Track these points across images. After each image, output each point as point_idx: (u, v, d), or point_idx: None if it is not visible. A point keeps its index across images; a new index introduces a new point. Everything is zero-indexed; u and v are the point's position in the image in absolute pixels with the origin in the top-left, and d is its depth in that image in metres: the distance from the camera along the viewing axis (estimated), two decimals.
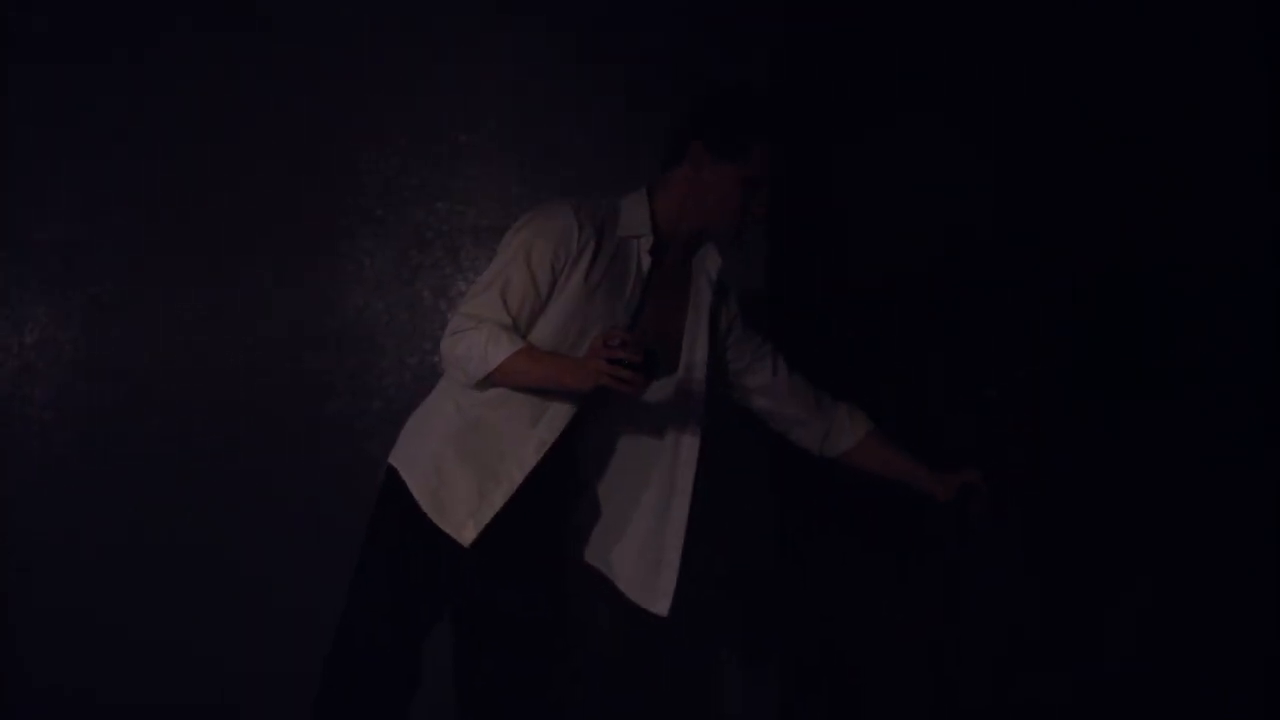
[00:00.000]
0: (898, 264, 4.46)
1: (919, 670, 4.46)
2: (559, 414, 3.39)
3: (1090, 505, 4.43)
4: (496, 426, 3.39)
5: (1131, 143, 4.43)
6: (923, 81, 4.46)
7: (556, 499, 3.49)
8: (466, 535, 3.37)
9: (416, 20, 4.48)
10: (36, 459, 4.54)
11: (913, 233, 4.45)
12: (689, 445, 3.49)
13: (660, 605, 3.48)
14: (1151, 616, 4.41)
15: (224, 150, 4.48)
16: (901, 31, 4.49)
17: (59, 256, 4.54)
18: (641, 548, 3.51)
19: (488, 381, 3.33)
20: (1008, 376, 4.45)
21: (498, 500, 3.37)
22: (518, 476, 3.38)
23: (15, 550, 4.54)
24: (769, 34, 4.37)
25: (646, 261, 3.41)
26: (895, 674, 4.47)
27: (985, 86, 4.47)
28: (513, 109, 4.47)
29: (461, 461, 3.39)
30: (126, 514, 4.50)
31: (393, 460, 3.46)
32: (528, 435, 3.39)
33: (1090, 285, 4.45)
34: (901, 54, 4.49)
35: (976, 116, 4.47)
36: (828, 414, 3.64)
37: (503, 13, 4.44)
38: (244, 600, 4.47)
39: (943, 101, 4.46)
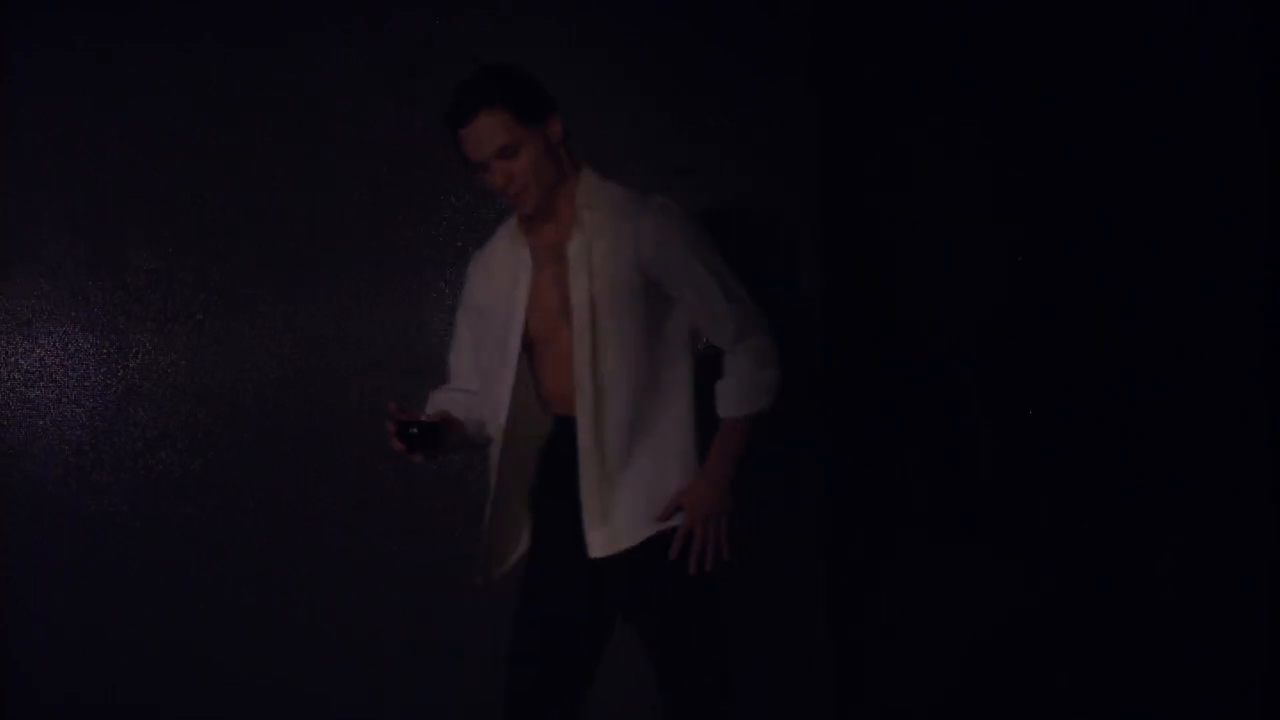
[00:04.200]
0: (908, 262, 4.50)
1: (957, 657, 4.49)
2: (497, 426, 3.58)
3: (1090, 506, 4.43)
4: (493, 461, 3.61)
5: (1131, 142, 4.44)
6: (929, 87, 4.48)
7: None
8: (511, 558, 3.64)
9: (493, 59, 4.59)
10: (141, 477, 4.75)
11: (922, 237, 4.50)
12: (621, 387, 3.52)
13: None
14: (1150, 617, 4.41)
15: (315, 184, 4.68)
16: (907, 39, 4.52)
17: (160, 286, 4.74)
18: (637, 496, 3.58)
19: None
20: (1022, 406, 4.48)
21: (520, 511, 3.63)
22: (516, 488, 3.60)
23: (116, 564, 4.75)
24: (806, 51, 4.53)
25: (523, 251, 3.57)
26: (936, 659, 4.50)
27: (990, 92, 4.48)
28: (585, 146, 4.55)
29: (498, 505, 3.62)
30: (219, 532, 4.72)
31: None
32: (502, 455, 3.60)
33: (1092, 286, 4.46)
34: (908, 60, 4.51)
35: (980, 119, 4.49)
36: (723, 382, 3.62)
37: (576, 50, 4.59)
38: (326, 619, 4.71)
39: (949, 107, 4.48)
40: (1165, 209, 4.42)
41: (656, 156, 4.51)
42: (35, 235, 4.76)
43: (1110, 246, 4.44)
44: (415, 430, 3.37)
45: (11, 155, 4.76)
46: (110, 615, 4.74)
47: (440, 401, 3.68)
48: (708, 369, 3.63)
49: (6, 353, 4.78)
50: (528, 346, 3.57)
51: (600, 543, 3.49)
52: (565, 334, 3.51)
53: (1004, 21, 4.48)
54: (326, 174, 4.68)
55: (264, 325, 4.71)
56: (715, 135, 4.51)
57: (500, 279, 3.59)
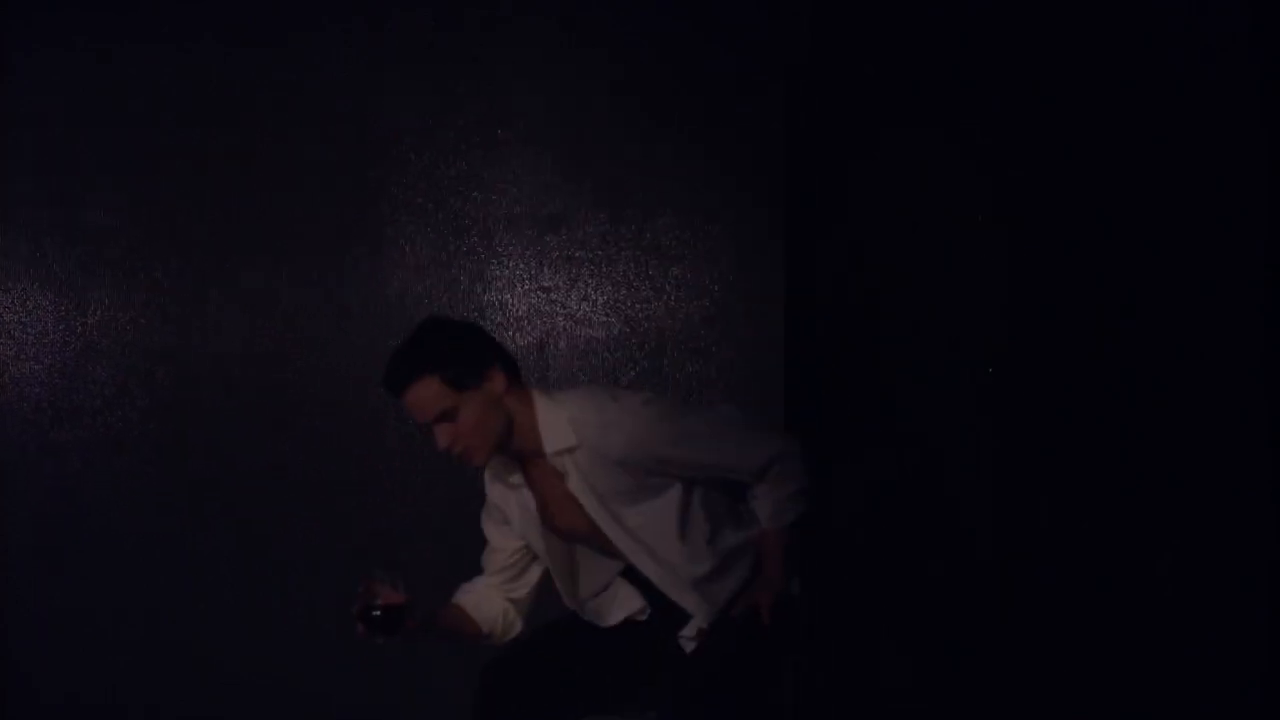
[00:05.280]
0: (901, 264, 4.51)
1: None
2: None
3: (1090, 506, 4.44)
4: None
5: (1130, 143, 4.45)
6: (923, 88, 4.49)
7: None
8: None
9: (456, 22, 4.68)
10: (100, 435, 4.76)
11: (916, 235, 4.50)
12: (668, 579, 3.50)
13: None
14: (1150, 617, 4.41)
15: (275, 141, 4.72)
16: (898, 41, 4.52)
17: (120, 242, 4.76)
18: None
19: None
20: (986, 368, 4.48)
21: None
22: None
23: (74, 523, 4.77)
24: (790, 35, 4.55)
25: (517, 488, 3.50)
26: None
27: (985, 87, 4.49)
28: (545, 105, 4.68)
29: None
30: (177, 489, 4.75)
31: None
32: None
33: (1091, 286, 4.47)
34: (899, 62, 4.52)
35: (980, 119, 4.49)
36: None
37: (537, 14, 4.64)
38: (285, 588, 4.73)
39: (943, 107, 4.48)
40: (1165, 209, 4.42)
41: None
42: None
43: (1110, 246, 4.44)
44: (378, 614, 3.29)
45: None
46: (68, 571, 4.73)
47: (464, 595, 3.63)
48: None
49: None
50: (577, 541, 3.54)
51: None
52: (600, 533, 3.48)
53: (1004, 21, 4.48)
54: (288, 133, 4.70)
55: (221, 281, 4.73)
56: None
57: (514, 503, 3.54)
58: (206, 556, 4.72)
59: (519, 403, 3.38)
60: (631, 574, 3.52)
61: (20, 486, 4.75)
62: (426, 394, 3.30)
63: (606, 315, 4.62)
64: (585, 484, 3.40)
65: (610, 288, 4.63)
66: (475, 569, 3.58)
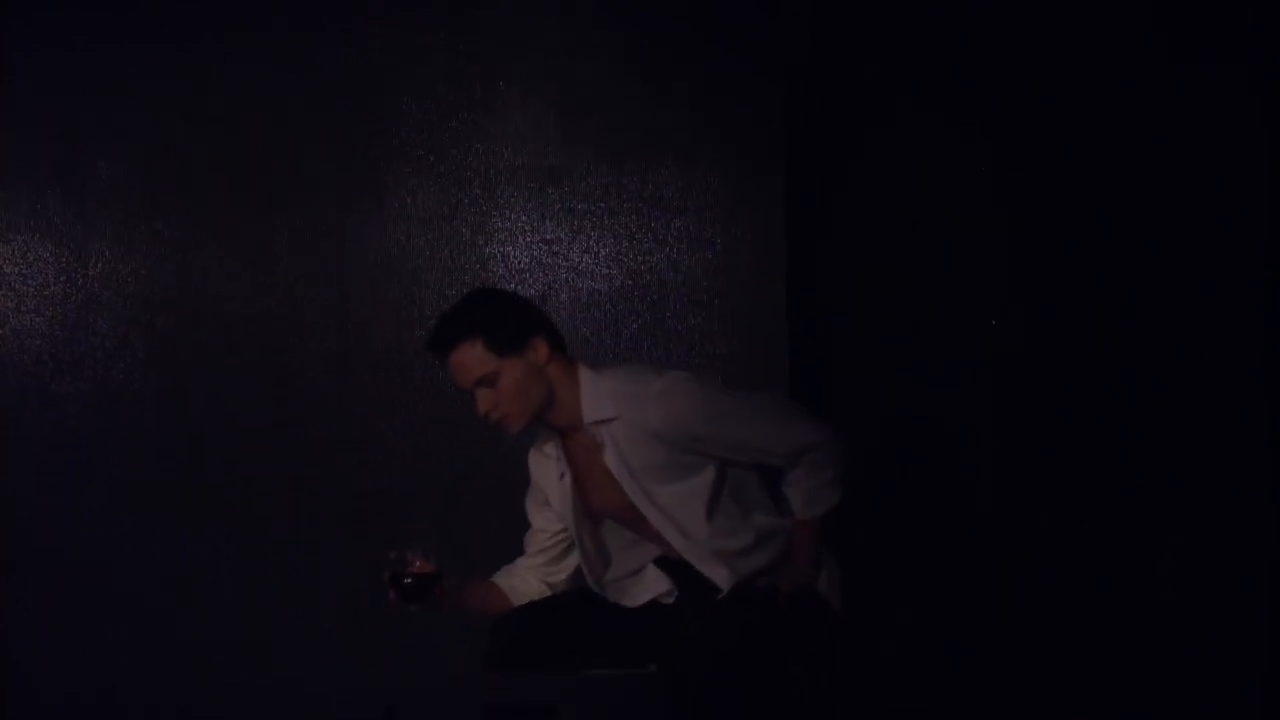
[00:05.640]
0: (899, 260, 4.51)
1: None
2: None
3: (1090, 506, 4.44)
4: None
5: (1131, 142, 4.46)
6: (923, 88, 4.50)
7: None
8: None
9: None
10: (101, 386, 4.75)
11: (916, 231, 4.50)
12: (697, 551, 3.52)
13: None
14: (1150, 617, 4.42)
15: (276, 93, 4.71)
16: (901, 35, 4.53)
17: (121, 193, 4.75)
18: None
19: None
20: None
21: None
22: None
23: (75, 478, 4.76)
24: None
25: (554, 458, 3.55)
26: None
27: (987, 85, 4.50)
28: (547, 56, 4.67)
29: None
30: (181, 440, 4.74)
31: None
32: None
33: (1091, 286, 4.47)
34: (901, 57, 4.52)
35: (978, 115, 4.50)
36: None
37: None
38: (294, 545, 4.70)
39: (947, 103, 4.49)
40: (1165, 209, 4.43)
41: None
42: None
43: (1110, 246, 4.44)
44: (409, 581, 3.39)
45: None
46: (69, 524, 4.72)
47: (501, 574, 3.66)
48: None
49: None
50: (611, 519, 3.58)
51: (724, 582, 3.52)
52: (633, 510, 3.51)
53: (1004, 21, 4.49)
54: (290, 84, 4.69)
55: (223, 232, 4.72)
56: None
57: (553, 478, 3.58)
58: (206, 508, 4.71)
59: (562, 374, 3.45)
60: (664, 560, 3.54)
61: (21, 438, 4.74)
62: (469, 357, 3.38)
63: (608, 267, 4.62)
64: (620, 458, 3.45)
65: (612, 240, 4.63)
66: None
